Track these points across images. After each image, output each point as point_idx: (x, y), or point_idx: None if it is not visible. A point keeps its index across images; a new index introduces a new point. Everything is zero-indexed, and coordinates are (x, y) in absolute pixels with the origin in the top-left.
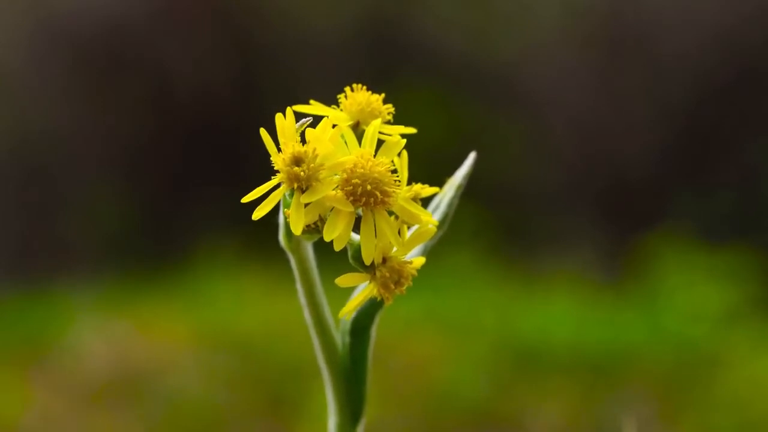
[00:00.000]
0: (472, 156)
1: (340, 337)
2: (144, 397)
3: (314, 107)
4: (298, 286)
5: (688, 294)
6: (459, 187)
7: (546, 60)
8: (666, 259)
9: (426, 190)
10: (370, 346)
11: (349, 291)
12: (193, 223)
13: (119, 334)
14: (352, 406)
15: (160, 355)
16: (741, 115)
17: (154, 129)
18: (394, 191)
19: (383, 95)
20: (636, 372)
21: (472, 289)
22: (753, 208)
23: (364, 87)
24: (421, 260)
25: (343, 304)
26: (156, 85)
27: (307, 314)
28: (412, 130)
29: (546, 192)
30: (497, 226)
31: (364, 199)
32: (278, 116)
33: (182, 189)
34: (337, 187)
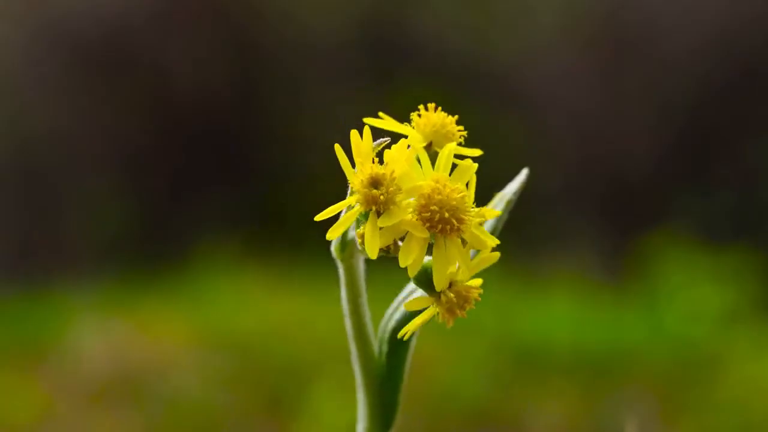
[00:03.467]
0: (524, 172)
1: (378, 346)
2: (144, 397)
3: (386, 122)
4: (343, 294)
5: (689, 294)
6: (509, 202)
7: (546, 60)
8: (666, 259)
9: (490, 213)
10: (409, 356)
11: (386, 297)
12: (193, 223)
13: (119, 334)
14: (384, 414)
15: (160, 355)
16: (741, 115)
17: (154, 129)
18: (468, 219)
19: (456, 117)
20: (636, 372)
21: None
22: (753, 208)
23: (439, 108)
24: (480, 281)
25: (381, 311)
26: (156, 85)
27: (347, 323)
28: (478, 152)
29: (546, 192)
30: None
31: (440, 226)
32: (354, 134)
33: (182, 189)
34: (413, 211)
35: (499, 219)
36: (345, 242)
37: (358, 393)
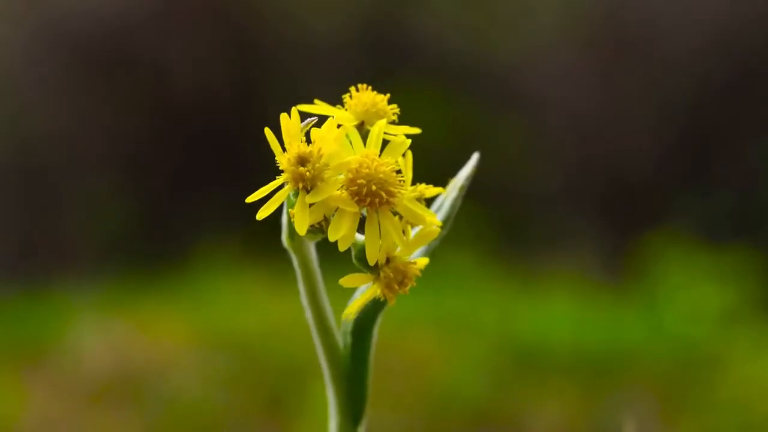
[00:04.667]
0: (475, 157)
1: (342, 338)
2: (144, 397)
3: (319, 107)
4: (300, 286)
5: (689, 294)
6: (462, 188)
7: (546, 60)
8: (666, 259)
9: (430, 190)
10: (372, 347)
11: (350, 291)
12: (193, 223)
13: (119, 334)
14: (353, 407)
15: (160, 355)
16: (741, 115)
17: (154, 129)
18: (398, 191)
19: (388, 95)
20: (636, 372)
21: (472, 289)
22: (753, 208)
23: (369, 87)
24: (425, 261)
25: (344, 304)
26: (156, 85)
27: (308, 314)
28: (416, 131)
29: (546, 192)
30: (497, 226)
31: (369, 200)
32: (283, 116)
33: (182, 189)
34: (341, 187)
35: (453, 205)
36: (294, 231)
37: (327, 388)
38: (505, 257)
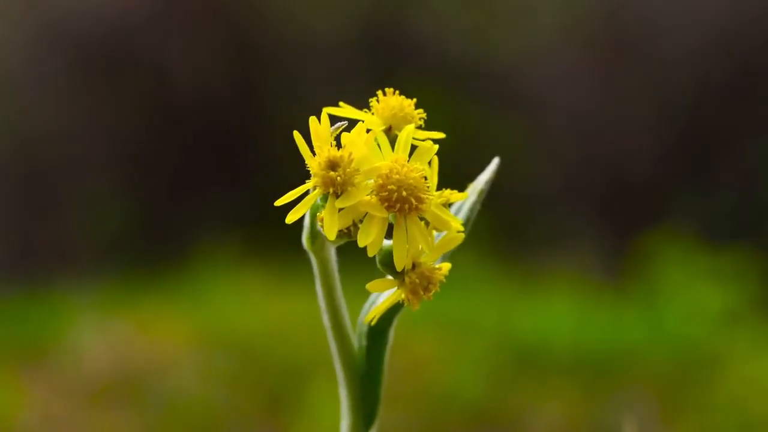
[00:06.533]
0: (495, 161)
1: (357, 340)
2: (144, 397)
3: (345, 110)
4: (318, 288)
5: (689, 294)
6: (481, 192)
7: (546, 60)
8: (666, 259)
9: (455, 195)
10: (387, 349)
11: (365, 293)
12: (193, 222)
13: (119, 334)
14: (366, 408)
15: (160, 355)
16: (741, 115)
17: (154, 129)
18: (427, 197)
19: (415, 100)
20: (636, 372)
21: (472, 289)
22: (753, 208)
23: (397, 92)
24: (448, 266)
25: (359, 306)
26: (156, 85)
27: (325, 316)
28: (441, 135)
29: (546, 192)
30: (497, 227)
31: (398, 206)
32: (312, 119)
33: (182, 189)
34: (371, 192)
35: (472, 209)
36: (315, 234)
37: (340, 389)
38: (505, 257)
